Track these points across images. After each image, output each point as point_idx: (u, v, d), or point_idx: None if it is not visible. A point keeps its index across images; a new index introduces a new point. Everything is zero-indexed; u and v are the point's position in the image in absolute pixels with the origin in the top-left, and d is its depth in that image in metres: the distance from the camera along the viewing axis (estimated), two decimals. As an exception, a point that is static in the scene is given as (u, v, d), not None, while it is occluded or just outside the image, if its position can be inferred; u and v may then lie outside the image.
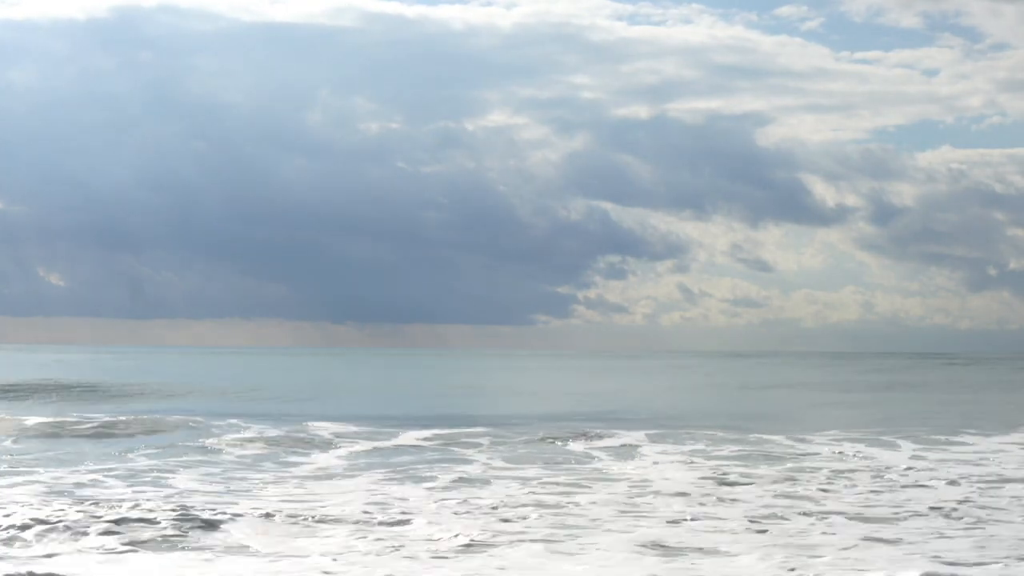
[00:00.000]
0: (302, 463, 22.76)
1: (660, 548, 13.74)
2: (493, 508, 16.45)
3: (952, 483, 19.65)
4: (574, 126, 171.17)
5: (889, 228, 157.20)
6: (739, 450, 25.52)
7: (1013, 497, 17.95)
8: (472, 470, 21.66)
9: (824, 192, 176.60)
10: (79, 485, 18.82)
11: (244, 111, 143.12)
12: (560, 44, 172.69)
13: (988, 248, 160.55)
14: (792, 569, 12.44)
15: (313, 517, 15.55)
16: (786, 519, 15.76)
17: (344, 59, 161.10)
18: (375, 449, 25.65)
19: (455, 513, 16.02)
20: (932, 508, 16.75)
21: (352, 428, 30.63)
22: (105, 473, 20.57)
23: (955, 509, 16.62)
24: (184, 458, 23.27)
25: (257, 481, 19.68)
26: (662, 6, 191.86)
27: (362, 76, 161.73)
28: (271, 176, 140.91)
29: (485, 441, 27.21)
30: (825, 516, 15.99)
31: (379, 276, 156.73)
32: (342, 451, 25.07)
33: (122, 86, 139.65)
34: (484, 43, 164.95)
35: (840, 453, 24.72)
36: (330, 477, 20.50)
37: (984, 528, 15.15)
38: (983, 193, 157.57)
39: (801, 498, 17.79)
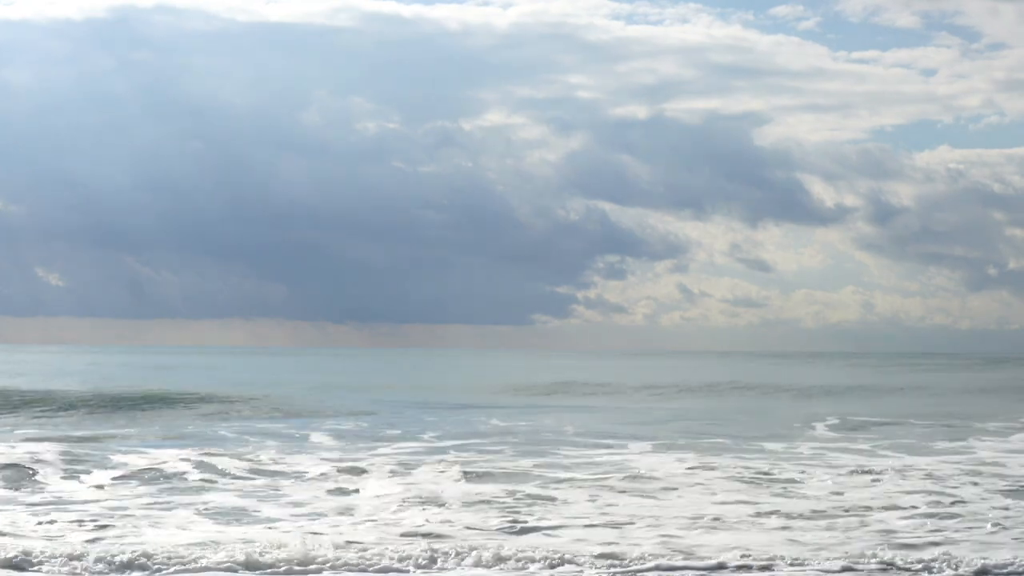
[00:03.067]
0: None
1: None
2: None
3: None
4: (572, 126, 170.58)
5: (888, 228, 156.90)
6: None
7: None
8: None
9: (823, 192, 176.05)
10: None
11: (241, 111, 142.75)
12: (557, 44, 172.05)
13: (987, 248, 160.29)
14: None
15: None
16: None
17: (341, 59, 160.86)
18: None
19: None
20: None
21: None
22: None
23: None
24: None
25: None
26: (659, 5, 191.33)
27: (359, 76, 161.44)
28: (269, 176, 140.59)
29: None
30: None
31: (379, 276, 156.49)
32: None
33: (119, 86, 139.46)
34: (481, 43, 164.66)
35: None
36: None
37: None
38: (982, 193, 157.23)
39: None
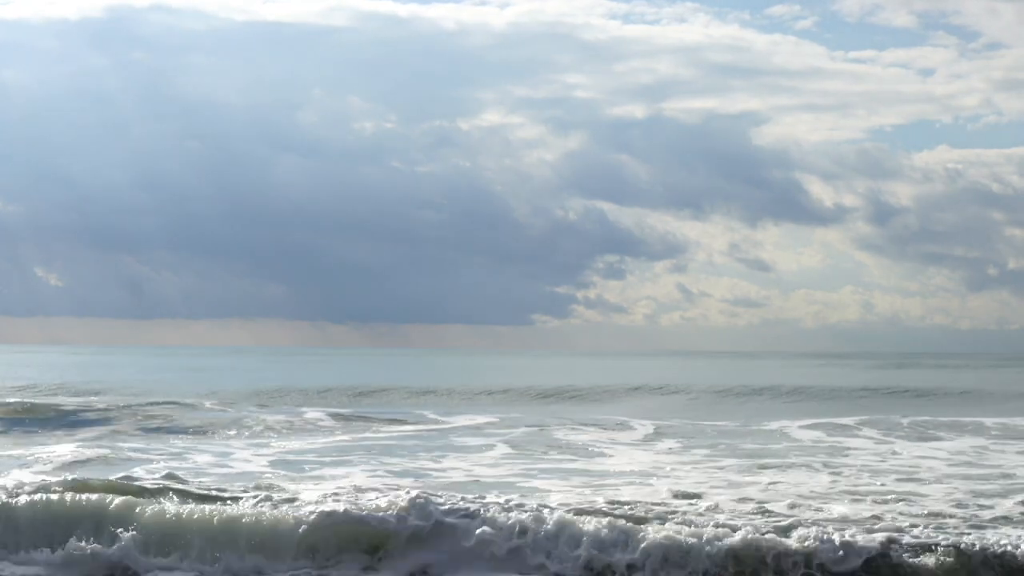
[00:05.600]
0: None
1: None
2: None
3: None
4: (569, 126, 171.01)
5: (887, 228, 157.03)
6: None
7: None
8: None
9: (821, 192, 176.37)
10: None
11: (238, 110, 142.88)
12: (554, 43, 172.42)
13: (987, 248, 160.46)
14: None
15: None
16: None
17: (338, 58, 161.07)
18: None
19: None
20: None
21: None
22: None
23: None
24: None
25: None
26: (656, 5, 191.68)
27: (356, 75, 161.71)
28: (266, 175, 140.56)
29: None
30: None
31: (378, 276, 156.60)
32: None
33: (116, 85, 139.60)
34: (478, 42, 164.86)
35: None
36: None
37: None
38: (981, 193, 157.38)
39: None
